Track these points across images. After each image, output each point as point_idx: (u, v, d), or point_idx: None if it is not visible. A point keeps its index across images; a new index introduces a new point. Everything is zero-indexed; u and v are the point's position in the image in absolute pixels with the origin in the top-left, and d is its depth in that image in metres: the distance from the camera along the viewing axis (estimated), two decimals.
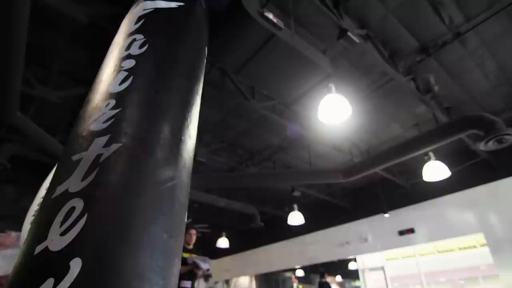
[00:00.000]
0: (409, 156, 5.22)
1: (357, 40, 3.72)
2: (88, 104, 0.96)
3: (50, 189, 0.75)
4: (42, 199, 0.77)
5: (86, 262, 0.66)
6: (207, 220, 9.41)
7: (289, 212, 8.41)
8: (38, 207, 0.72)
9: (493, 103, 5.41)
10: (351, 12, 3.95)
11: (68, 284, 0.63)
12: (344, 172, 5.96)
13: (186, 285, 2.93)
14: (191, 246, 3.50)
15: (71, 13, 3.22)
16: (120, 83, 0.95)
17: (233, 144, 6.59)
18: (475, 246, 7.65)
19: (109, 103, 0.91)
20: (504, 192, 6.00)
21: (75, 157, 0.82)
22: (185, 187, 0.92)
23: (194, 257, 3.16)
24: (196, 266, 3.03)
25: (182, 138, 0.95)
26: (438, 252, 8.20)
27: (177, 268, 0.82)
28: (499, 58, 4.54)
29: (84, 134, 0.87)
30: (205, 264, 3.14)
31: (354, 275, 7.60)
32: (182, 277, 2.93)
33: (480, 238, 6.40)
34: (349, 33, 3.66)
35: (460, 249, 8.72)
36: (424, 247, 7.57)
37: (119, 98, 0.92)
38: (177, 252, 0.83)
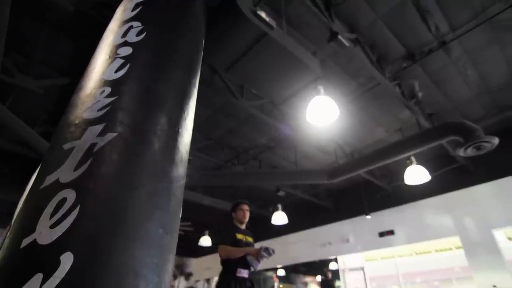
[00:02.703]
0: (392, 160, 5.34)
1: (347, 44, 3.77)
2: (80, 91, 0.90)
3: (39, 179, 0.70)
4: (29, 190, 0.72)
5: (78, 257, 0.62)
6: (190, 218, 9.29)
7: (273, 212, 8.43)
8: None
9: (474, 111, 5.63)
10: (342, 16, 4.00)
11: (59, 280, 0.59)
12: (329, 173, 6.03)
13: (243, 275, 2.51)
14: (243, 226, 2.90)
15: None
16: (116, 71, 0.91)
17: (220, 142, 6.54)
18: (450, 249, 7.93)
19: (104, 91, 0.86)
20: (479, 197, 6.25)
21: (66, 146, 0.77)
22: (181, 182, 0.89)
23: (264, 247, 2.59)
24: (259, 255, 2.51)
25: (180, 130, 0.92)
26: (416, 253, 8.45)
27: (171, 264, 0.79)
28: (480, 68, 4.72)
29: (76, 122, 0.82)
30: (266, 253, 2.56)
31: (334, 275, 7.69)
32: (238, 264, 2.50)
33: (456, 241, 6.64)
34: (339, 36, 3.70)
35: (436, 251, 9.03)
36: (402, 249, 7.78)
37: (115, 86, 0.87)
38: (172, 249, 0.80)
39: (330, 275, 6.37)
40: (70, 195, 0.69)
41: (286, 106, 5.37)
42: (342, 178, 6.08)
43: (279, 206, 8.44)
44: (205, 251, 12.70)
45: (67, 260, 0.61)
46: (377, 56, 4.51)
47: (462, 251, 6.30)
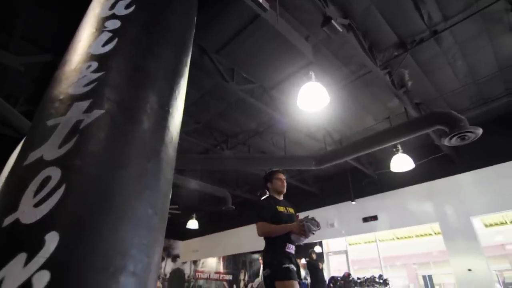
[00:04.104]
0: (379, 148, 5.44)
1: (340, 29, 3.73)
2: (65, 65, 0.85)
3: (21, 156, 0.66)
4: (11, 167, 0.69)
5: (64, 237, 0.60)
6: (177, 201, 9.29)
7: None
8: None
9: (460, 101, 5.74)
10: (336, 1, 3.94)
11: (43, 260, 0.57)
12: (317, 159, 6.10)
13: (292, 250, 2.28)
14: (281, 197, 2.59)
15: None
16: (104, 45, 0.86)
17: (209, 126, 6.47)
18: (430, 234, 8.27)
19: (90, 65, 0.82)
20: (460, 185, 6.48)
21: (50, 122, 0.73)
22: (171, 162, 0.87)
23: (305, 218, 2.31)
24: (302, 231, 2.24)
25: (170, 110, 0.89)
26: (397, 238, 8.76)
27: (161, 245, 0.78)
28: (469, 59, 4.77)
29: (61, 97, 0.78)
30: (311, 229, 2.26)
31: (319, 256, 7.90)
32: (286, 238, 2.26)
33: (435, 226, 6.91)
34: (333, 21, 3.65)
35: (417, 236, 9.40)
36: (384, 234, 8.05)
37: (102, 60, 0.83)
38: (162, 230, 0.78)
39: (314, 256, 6.54)
40: (55, 173, 0.66)
41: (277, 91, 5.33)
42: (330, 165, 6.16)
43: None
44: (192, 234, 12.82)
45: (52, 240, 0.59)
46: (369, 43, 4.49)
47: (441, 237, 6.57)
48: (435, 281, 13.19)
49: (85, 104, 0.75)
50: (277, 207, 2.46)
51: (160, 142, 0.82)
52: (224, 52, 4.55)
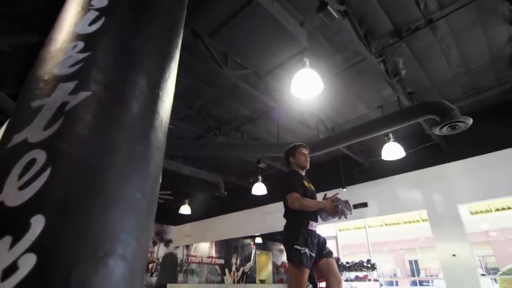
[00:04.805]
0: (372, 136, 5.49)
1: (335, 15, 3.68)
2: (50, 45, 0.82)
3: (5, 138, 0.65)
4: None
5: (50, 220, 0.59)
6: (170, 187, 9.30)
7: (253, 183, 8.58)
8: None
9: (452, 91, 5.78)
10: None
11: (30, 243, 0.57)
12: (310, 147, 6.13)
13: (315, 228, 2.20)
14: (304, 172, 2.48)
15: None
16: (90, 24, 0.82)
17: (202, 112, 6.42)
18: (418, 221, 8.52)
19: (76, 45, 0.79)
20: (449, 174, 6.61)
21: (35, 104, 0.71)
22: (161, 147, 0.85)
23: (340, 200, 2.19)
24: (335, 212, 2.13)
25: (160, 93, 0.87)
26: (386, 225, 8.99)
27: (151, 229, 0.78)
28: (463, 49, 4.78)
29: (46, 78, 0.75)
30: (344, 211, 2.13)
31: None
32: (310, 215, 2.17)
33: (423, 213, 7.09)
34: (328, 7, 3.60)
35: (405, 222, 9.67)
36: (373, 220, 8.24)
37: (88, 40, 0.79)
38: (151, 214, 0.78)
39: None
40: (40, 156, 0.64)
41: (271, 78, 5.29)
42: (322, 152, 6.21)
43: (259, 177, 8.59)
44: (185, 219, 12.91)
45: (38, 223, 0.58)
46: (364, 30, 4.45)
47: (427, 223, 6.75)
48: (420, 266, 13.67)
49: (70, 85, 0.73)
50: (303, 181, 2.38)
51: (149, 126, 0.80)
52: (217, 36, 4.47)
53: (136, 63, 0.83)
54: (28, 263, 0.55)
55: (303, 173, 2.52)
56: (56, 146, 0.66)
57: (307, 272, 2.05)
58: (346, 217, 2.23)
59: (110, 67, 0.78)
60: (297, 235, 2.12)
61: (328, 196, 2.40)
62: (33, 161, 0.63)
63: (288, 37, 4.23)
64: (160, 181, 0.87)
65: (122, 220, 0.67)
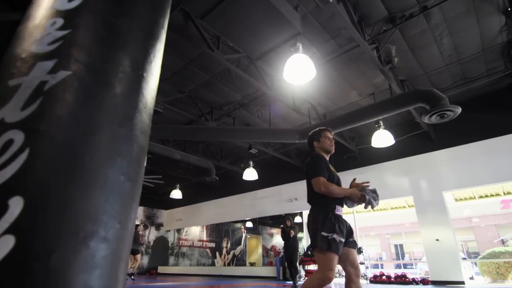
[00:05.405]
0: (363, 123, 5.53)
1: None
2: (28, 21, 0.78)
3: None
4: None
5: (28, 201, 0.58)
6: (161, 171, 9.28)
7: (244, 168, 8.62)
8: None
9: (442, 80, 5.82)
10: None
11: (7, 225, 0.56)
12: (301, 133, 6.15)
13: (340, 213, 2.15)
14: (328, 157, 2.41)
15: None
16: (70, 0, 0.79)
17: (193, 96, 6.33)
18: (404, 207, 8.74)
19: (55, 22, 0.75)
20: (435, 162, 6.75)
21: (12, 82, 0.68)
22: (146, 129, 0.84)
23: (367, 189, 2.13)
24: (361, 201, 2.08)
25: (144, 75, 0.84)
26: (373, 210, 9.18)
27: (134, 212, 0.78)
28: (455, 38, 4.78)
29: (23, 56, 0.72)
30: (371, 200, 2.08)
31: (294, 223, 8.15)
32: (336, 200, 2.12)
33: (409, 200, 7.25)
34: None
35: (392, 208, 9.91)
36: (361, 206, 8.39)
37: (68, 17, 0.76)
38: (135, 196, 0.77)
39: (288, 223, 6.66)
40: (18, 137, 0.63)
41: (263, 63, 5.22)
42: None
43: (251, 163, 8.63)
44: (176, 203, 12.97)
45: (16, 205, 0.57)
46: (359, 16, 4.40)
47: (413, 209, 6.93)
48: (405, 249, 14.16)
49: (49, 64, 0.70)
50: (329, 165, 2.30)
51: (133, 107, 0.78)
52: (209, 18, 4.35)
53: (119, 43, 0.80)
54: (6, 245, 0.55)
55: (327, 158, 2.41)
56: (34, 126, 0.64)
57: (336, 258, 1.97)
58: (372, 208, 2.13)
59: (91, 46, 0.75)
60: (323, 220, 2.05)
61: (356, 181, 2.32)
62: (10, 142, 0.61)
63: (282, 20, 4.15)
64: (145, 164, 0.86)
65: (104, 202, 0.67)
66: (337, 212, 2.11)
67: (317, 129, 2.50)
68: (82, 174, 0.65)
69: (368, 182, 2.25)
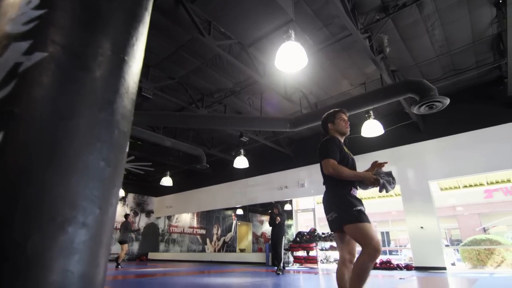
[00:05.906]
0: (354, 113, 5.55)
1: None
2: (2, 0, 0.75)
3: None
4: None
5: (3, 186, 0.57)
6: (151, 159, 9.21)
7: (235, 156, 8.63)
8: None
9: (433, 71, 5.86)
10: None
11: None
12: (292, 122, 6.16)
13: (356, 194, 2.12)
14: (343, 139, 2.35)
15: None
16: None
17: (183, 82, 6.24)
18: (391, 195, 8.92)
19: (31, 1, 0.72)
20: (423, 152, 6.88)
21: None
22: (128, 115, 0.82)
23: (382, 172, 2.07)
24: (375, 185, 2.02)
25: (126, 58, 0.82)
26: (361, 198, 9.33)
27: (115, 198, 0.77)
28: (447, 29, 4.80)
29: None
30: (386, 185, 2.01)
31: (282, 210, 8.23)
32: (352, 181, 2.08)
33: (396, 189, 7.41)
34: None
35: (379, 197, 10.11)
36: (375, 189, 8.54)
37: None
38: (116, 182, 0.77)
39: (277, 210, 6.65)
40: None
41: (255, 49, 5.16)
42: (304, 128, 6.26)
43: (242, 151, 8.63)
44: (167, 190, 12.96)
45: None
46: (352, 4, 4.35)
47: (400, 198, 7.09)
48: (391, 237, 14.56)
49: (24, 44, 0.67)
50: (344, 147, 2.25)
51: (113, 92, 0.76)
52: (200, 2, 4.24)
53: (98, 24, 0.77)
54: None
55: (342, 140, 2.35)
56: (8, 109, 0.62)
57: (372, 227, 1.91)
58: (387, 192, 2.06)
59: (69, 27, 0.72)
60: (350, 197, 2.01)
61: (378, 163, 2.28)
62: None
63: (274, 6, 4.08)
64: (127, 150, 0.85)
65: (83, 187, 0.66)
66: (352, 193, 2.08)
67: (331, 110, 2.42)
68: (60, 159, 0.64)
69: (384, 163, 2.19)
